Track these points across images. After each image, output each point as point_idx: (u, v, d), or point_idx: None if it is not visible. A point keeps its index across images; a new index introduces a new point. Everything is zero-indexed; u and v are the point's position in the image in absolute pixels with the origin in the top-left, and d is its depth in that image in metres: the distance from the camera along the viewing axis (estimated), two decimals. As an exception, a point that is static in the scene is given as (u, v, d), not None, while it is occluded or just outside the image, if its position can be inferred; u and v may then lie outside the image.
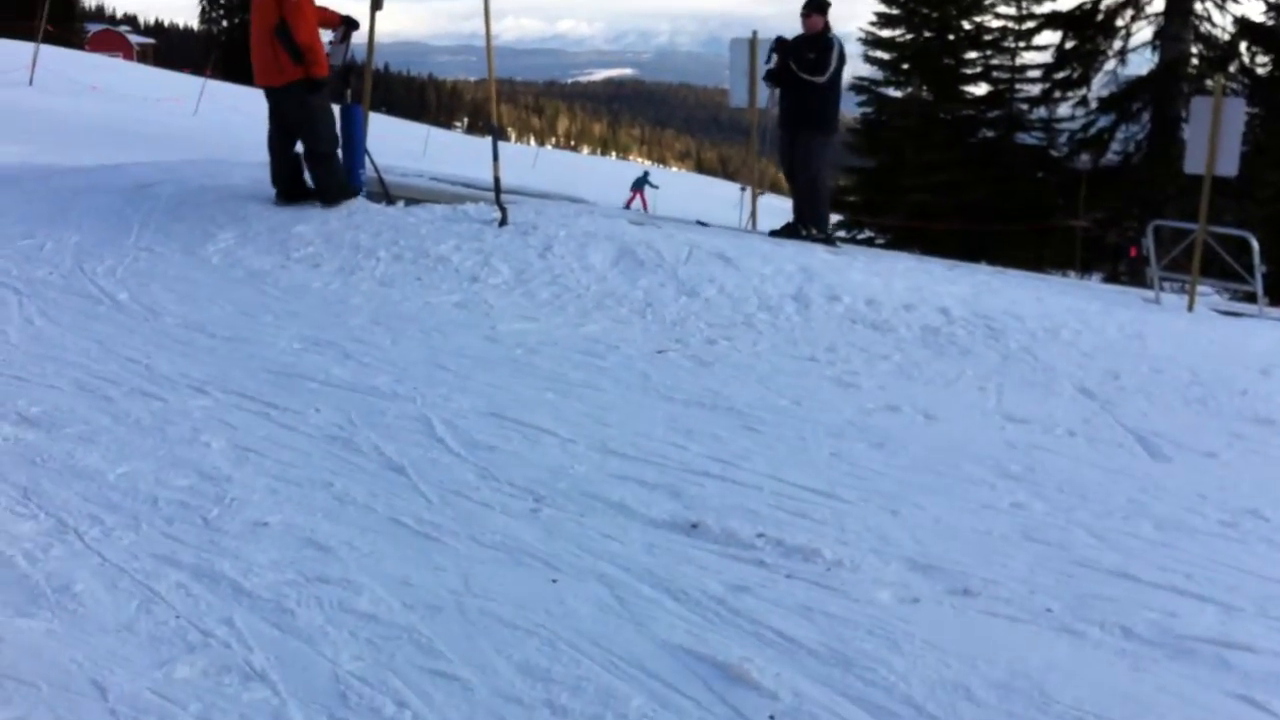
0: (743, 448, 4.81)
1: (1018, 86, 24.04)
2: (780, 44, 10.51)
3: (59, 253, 7.66)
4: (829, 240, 10.50)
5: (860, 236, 24.22)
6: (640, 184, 28.46)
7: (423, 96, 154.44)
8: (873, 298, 7.44)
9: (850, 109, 30.20)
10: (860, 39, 25.47)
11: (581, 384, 5.62)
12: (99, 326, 6.08)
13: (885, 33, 25.22)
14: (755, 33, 12.00)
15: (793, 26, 10.43)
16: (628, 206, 21.83)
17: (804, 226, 10.47)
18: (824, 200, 10.79)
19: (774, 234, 10.49)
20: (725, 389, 5.70)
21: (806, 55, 10.19)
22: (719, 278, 7.62)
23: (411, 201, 9.20)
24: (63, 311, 6.31)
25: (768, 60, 10.71)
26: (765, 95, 11.11)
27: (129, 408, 4.78)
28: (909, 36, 24.99)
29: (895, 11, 25.10)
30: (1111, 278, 19.41)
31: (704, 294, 7.37)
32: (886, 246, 21.82)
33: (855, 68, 26.02)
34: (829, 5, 10.36)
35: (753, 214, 13.18)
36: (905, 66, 24.89)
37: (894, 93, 25.33)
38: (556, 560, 3.59)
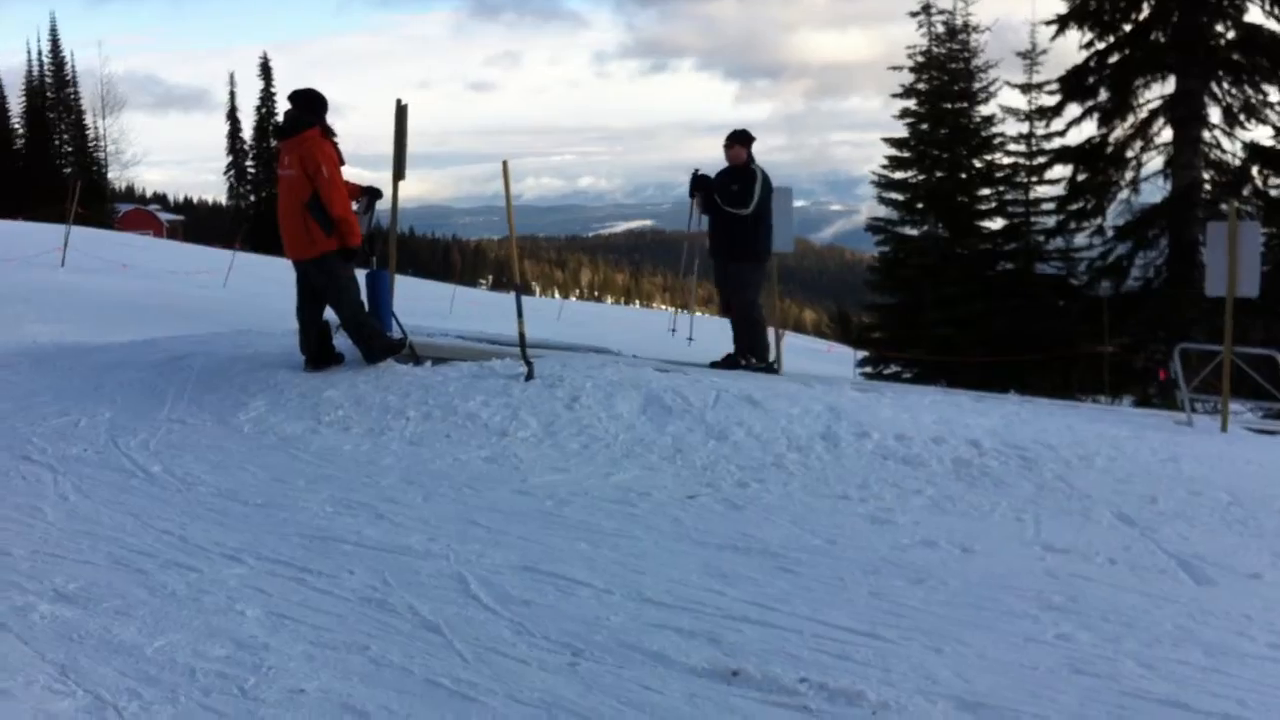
0: (780, 590, 4.76)
1: (1033, 219, 24.29)
2: (697, 178, 10.67)
3: (93, 428, 7.76)
4: (770, 369, 10.51)
5: (886, 371, 24.26)
6: None
7: (447, 257, 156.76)
8: (902, 433, 7.42)
9: (868, 248, 30.53)
10: (874, 181, 25.91)
11: (614, 533, 5.59)
12: (133, 500, 6.12)
13: (898, 174, 25.66)
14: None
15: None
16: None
17: (743, 357, 10.51)
18: (760, 329, 10.79)
19: (714, 365, 10.44)
20: (759, 531, 5.67)
21: (730, 188, 10.34)
22: (747, 420, 7.63)
23: (439, 360, 9.29)
24: (97, 486, 6.36)
25: (691, 195, 10.85)
26: (695, 220, 11.19)
27: (164, 580, 4.79)
28: (921, 177, 25.40)
29: (906, 154, 25.58)
30: (1142, 401, 19.30)
31: (733, 437, 7.37)
32: (913, 381, 21.86)
33: (871, 209, 26.30)
34: (753, 138, 10.53)
35: (777, 353, 13.24)
36: (920, 206, 25.24)
37: (910, 231, 25.63)
38: (596, 715, 3.54)
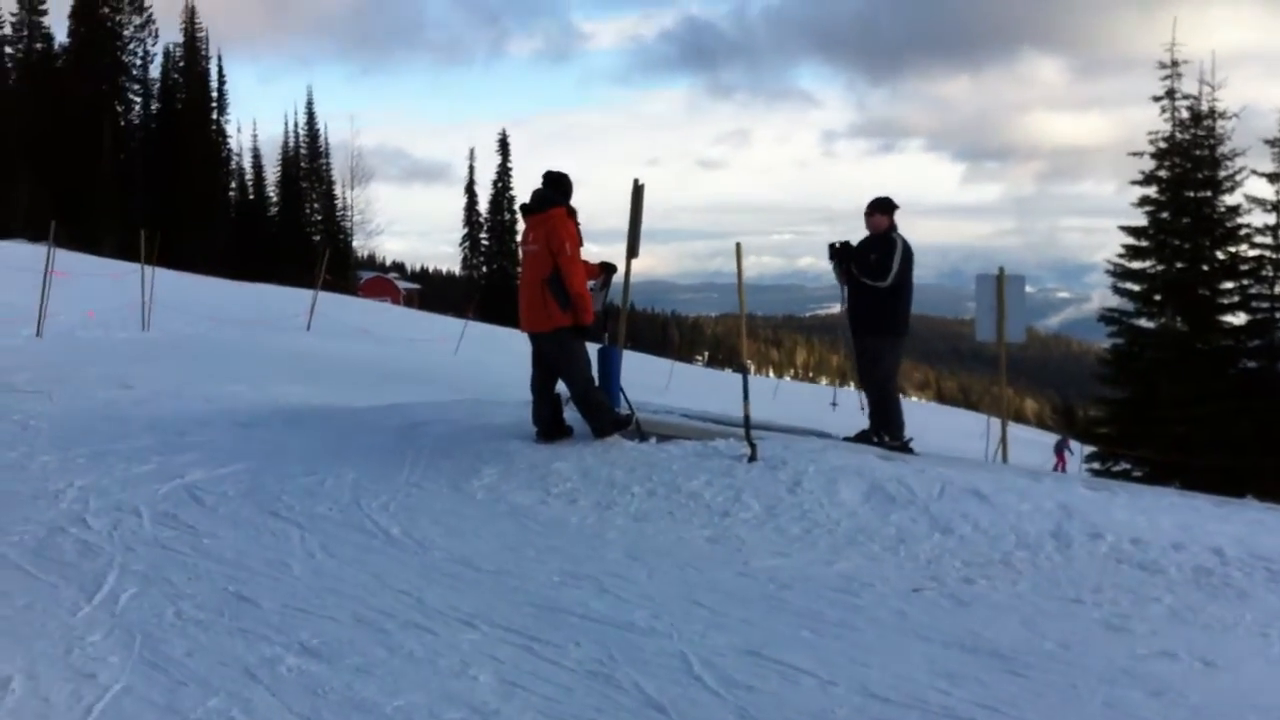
0: (1009, 693, 4.64)
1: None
2: (834, 249, 10.32)
3: (338, 488, 8.16)
4: (904, 448, 10.00)
5: (1115, 469, 23.35)
6: (1061, 447, 30.05)
7: (665, 332, 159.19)
8: (1138, 536, 7.14)
9: (1098, 338, 29.57)
10: (1109, 270, 25.16)
11: (837, 622, 5.56)
12: (374, 560, 6.41)
13: (1135, 264, 24.83)
14: (1001, 269, 12.05)
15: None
16: (1055, 469, 22.27)
17: (877, 434, 10.13)
18: (895, 405, 10.28)
19: (848, 440, 10.07)
20: (986, 630, 5.54)
21: (869, 257, 9.99)
22: (973, 514, 7.48)
23: (663, 438, 9.43)
24: (341, 545, 6.69)
25: (835, 265, 10.45)
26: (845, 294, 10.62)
27: (403, 640, 5.00)
28: (1160, 268, 24.50)
29: (1144, 244, 24.73)
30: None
31: (958, 531, 7.24)
32: (1143, 480, 20.96)
33: (1102, 297, 25.45)
34: (895, 206, 10.12)
35: (1002, 445, 12.95)
36: (1157, 297, 24.32)
37: (1146, 324, 24.69)
38: (822, 808, 3.52)
